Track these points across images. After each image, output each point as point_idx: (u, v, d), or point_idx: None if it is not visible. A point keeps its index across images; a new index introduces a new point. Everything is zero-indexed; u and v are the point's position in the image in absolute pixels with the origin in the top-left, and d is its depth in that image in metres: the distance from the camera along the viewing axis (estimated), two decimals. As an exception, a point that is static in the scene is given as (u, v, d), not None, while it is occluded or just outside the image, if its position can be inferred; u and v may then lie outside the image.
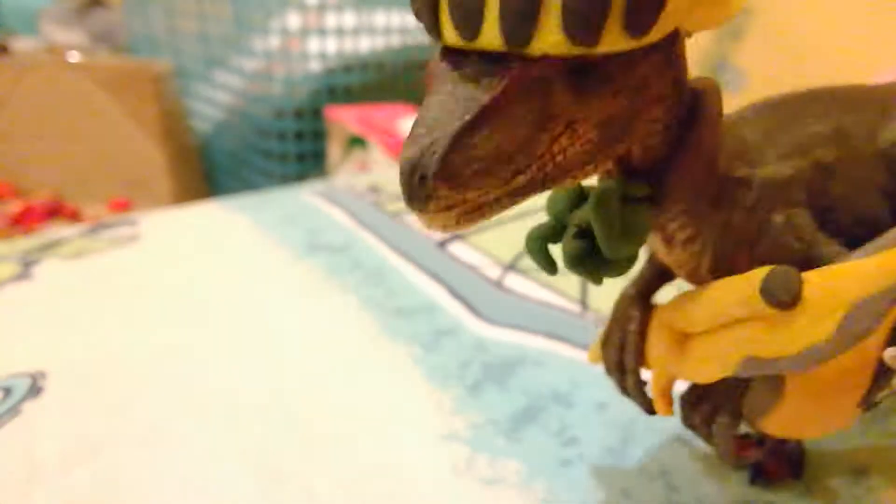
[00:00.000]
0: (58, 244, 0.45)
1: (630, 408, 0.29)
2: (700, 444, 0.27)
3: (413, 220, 0.49)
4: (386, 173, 0.61)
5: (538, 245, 0.20)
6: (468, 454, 0.27)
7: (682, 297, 0.21)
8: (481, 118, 0.15)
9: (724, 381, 0.20)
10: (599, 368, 0.32)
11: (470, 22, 0.15)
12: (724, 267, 0.20)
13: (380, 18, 0.96)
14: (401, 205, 0.52)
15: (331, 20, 0.90)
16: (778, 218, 0.20)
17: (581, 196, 0.19)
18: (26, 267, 0.42)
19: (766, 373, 0.19)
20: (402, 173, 0.15)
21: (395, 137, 0.81)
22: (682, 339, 0.21)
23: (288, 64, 0.92)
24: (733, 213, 0.20)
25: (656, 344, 0.22)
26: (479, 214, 0.16)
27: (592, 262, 0.19)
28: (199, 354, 0.34)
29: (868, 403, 0.20)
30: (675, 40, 0.17)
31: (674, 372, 0.22)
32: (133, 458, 0.27)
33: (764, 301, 0.17)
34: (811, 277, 0.18)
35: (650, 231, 0.19)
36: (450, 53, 0.16)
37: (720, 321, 0.19)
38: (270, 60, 0.93)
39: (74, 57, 1.04)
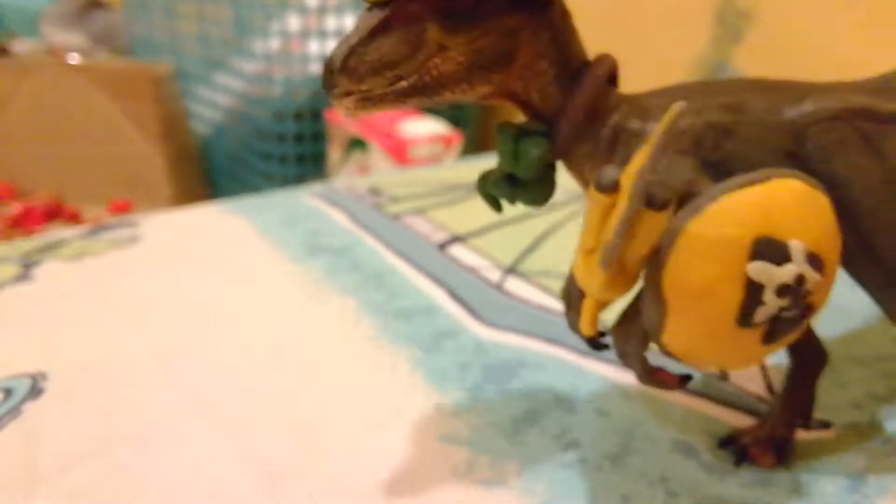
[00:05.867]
0: (58, 246, 0.45)
1: (631, 414, 0.29)
2: (701, 451, 0.28)
3: (413, 222, 0.49)
4: (387, 175, 0.61)
5: (482, 185, 0.25)
6: (468, 456, 0.27)
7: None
8: (371, 35, 0.21)
9: (635, 306, 0.23)
10: (600, 375, 0.32)
11: None
12: None
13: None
14: (401, 206, 0.52)
15: (331, 22, 0.90)
16: (664, 162, 0.22)
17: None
18: (27, 268, 0.42)
19: (609, 257, 0.20)
20: (322, 76, 0.21)
21: (395, 139, 0.81)
22: (588, 254, 0.22)
23: (288, 66, 0.92)
24: (627, 158, 0.22)
25: (575, 264, 0.23)
26: (372, 103, 0.22)
27: (508, 186, 0.24)
28: (199, 356, 0.34)
29: (749, 324, 0.21)
30: (547, 7, 0.22)
31: (588, 290, 0.23)
32: (133, 458, 0.27)
33: (597, 191, 0.21)
34: (624, 169, 0.20)
35: (544, 160, 0.24)
36: (369, 5, 0.22)
37: (593, 231, 0.21)
38: (270, 62, 0.93)
39: (74, 59, 1.04)
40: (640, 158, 0.20)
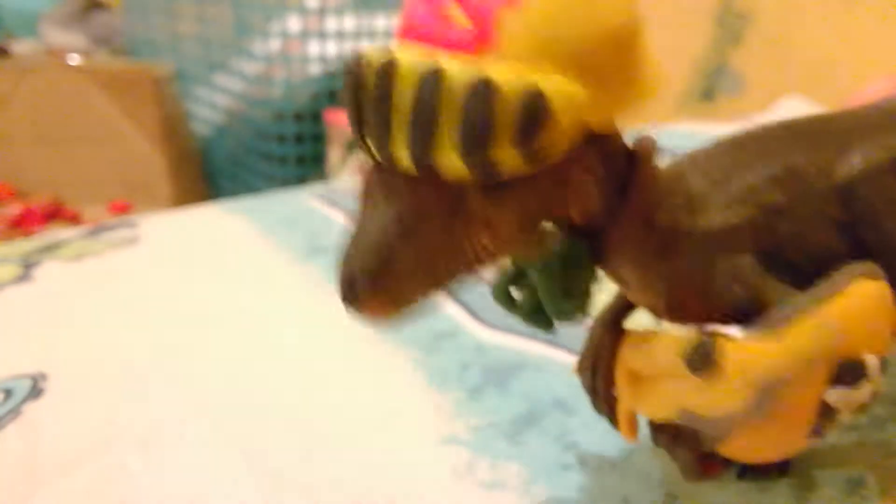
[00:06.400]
0: (58, 246, 0.45)
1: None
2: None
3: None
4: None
5: (502, 292, 0.22)
6: (468, 457, 0.27)
7: (636, 339, 0.22)
8: (398, 232, 0.16)
9: None
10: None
11: (382, 149, 0.16)
12: (678, 309, 0.21)
13: (380, 21, 0.96)
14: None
15: (331, 23, 0.90)
16: (722, 266, 0.20)
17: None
18: (27, 269, 0.42)
19: (700, 427, 0.19)
20: (339, 287, 0.17)
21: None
22: (636, 377, 0.22)
23: (288, 67, 0.92)
24: (678, 263, 0.20)
25: (617, 377, 0.23)
26: (411, 308, 0.17)
27: (544, 320, 0.21)
28: (199, 356, 0.34)
29: (819, 437, 0.20)
30: (592, 138, 0.17)
31: (630, 405, 0.23)
32: (133, 459, 0.27)
33: (687, 369, 0.18)
34: (728, 350, 0.18)
35: (592, 286, 0.21)
36: (379, 168, 0.17)
37: (659, 371, 0.20)
38: (271, 63, 0.93)
39: (74, 60, 1.04)
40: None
